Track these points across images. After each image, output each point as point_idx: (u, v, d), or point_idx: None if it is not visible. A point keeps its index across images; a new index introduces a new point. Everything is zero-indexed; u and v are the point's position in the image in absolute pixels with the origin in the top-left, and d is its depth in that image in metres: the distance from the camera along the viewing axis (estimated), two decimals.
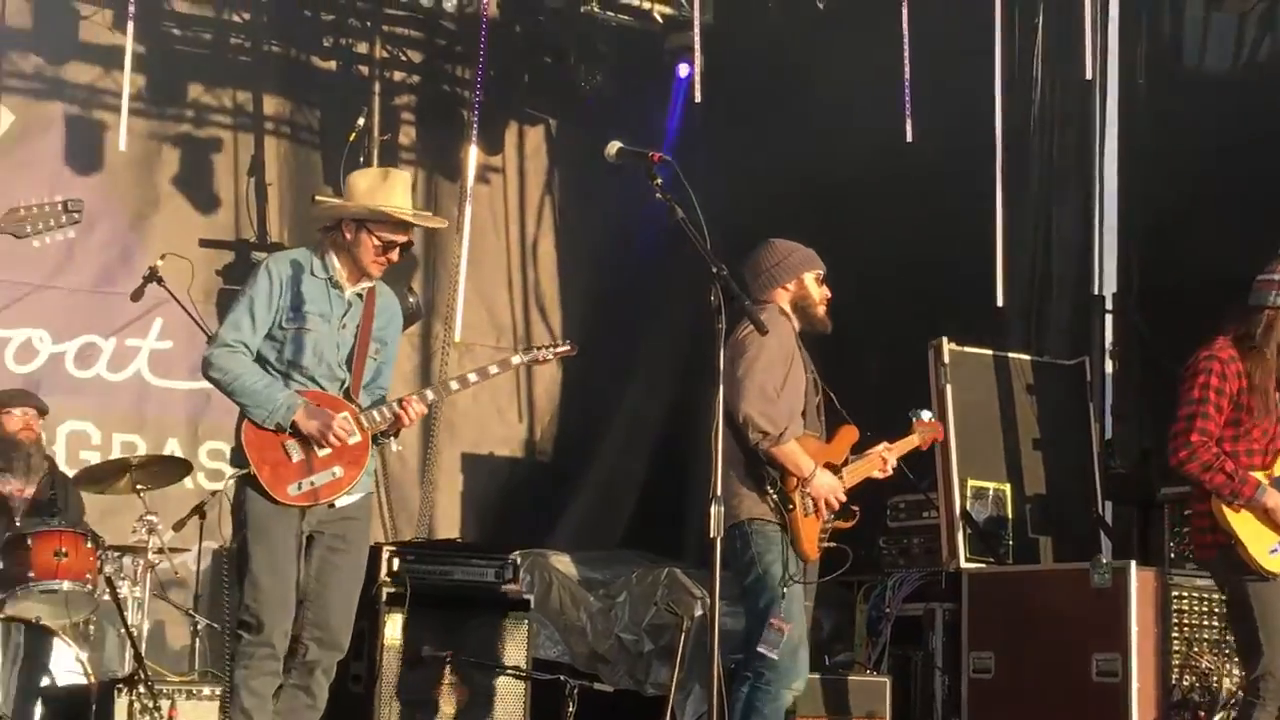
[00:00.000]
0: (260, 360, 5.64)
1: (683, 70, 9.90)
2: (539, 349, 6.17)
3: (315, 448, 5.55)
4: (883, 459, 6.42)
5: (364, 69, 10.15)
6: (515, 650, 7.26)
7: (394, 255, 5.74)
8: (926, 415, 6.69)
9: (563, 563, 9.01)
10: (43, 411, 7.91)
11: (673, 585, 8.54)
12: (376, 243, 5.65)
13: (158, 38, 9.56)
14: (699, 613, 7.46)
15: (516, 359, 6.10)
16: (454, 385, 5.98)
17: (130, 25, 8.79)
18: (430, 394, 5.91)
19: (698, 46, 9.30)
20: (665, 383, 10.65)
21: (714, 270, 4.57)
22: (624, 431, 10.68)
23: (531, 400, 10.66)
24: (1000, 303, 8.75)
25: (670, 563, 8.87)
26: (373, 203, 5.66)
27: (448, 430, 10.27)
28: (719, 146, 10.18)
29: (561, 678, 6.76)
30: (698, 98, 9.24)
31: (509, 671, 7.15)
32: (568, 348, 6.30)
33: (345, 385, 5.67)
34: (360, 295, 5.74)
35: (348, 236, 5.66)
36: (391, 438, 5.83)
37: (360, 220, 5.65)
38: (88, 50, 9.38)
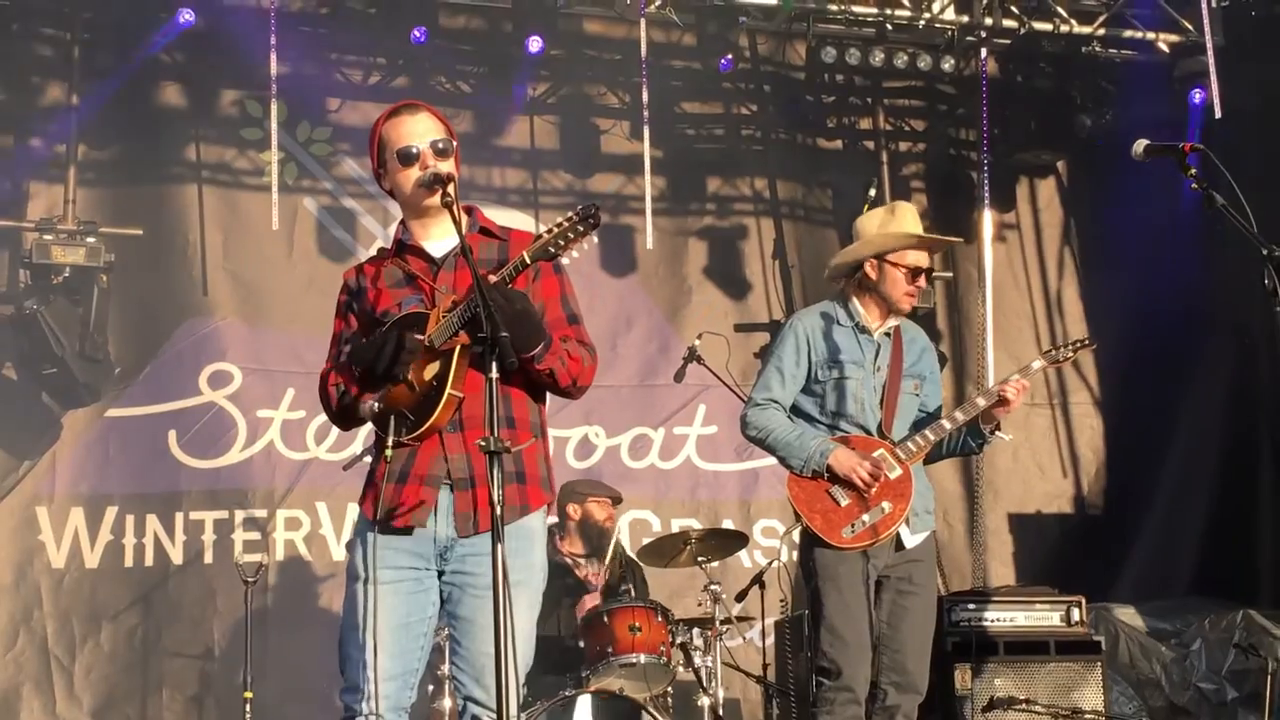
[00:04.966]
0: (804, 415, 5.79)
1: (1196, 96, 9.54)
2: (1057, 349, 6.01)
3: (860, 488, 5.63)
4: None
5: (869, 144, 10.32)
6: (1090, 693, 7.09)
7: (922, 282, 5.82)
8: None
9: (1127, 614, 8.79)
10: (616, 501, 8.29)
11: (1249, 627, 8.16)
12: (904, 271, 5.74)
13: (672, 140, 10.02)
14: None
15: (1036, 364, 5.94)
16: (981, 402, 5.75)
17: (646, 132, 9.29)
18: (961, 414, 5.83)
19: (1212, 68, 9.00)
20: (1216, 417, 10.19)
21: (1264, 253, 4.36)
22: (1178, 473, 10.23)
23: (1075, 454, 10.41)
24: None
25: (1244, 605, 8.48)
26: (886, 232, 5.78)
27: (991, 492, 10.16)
28: (1244, 171, 9.66)
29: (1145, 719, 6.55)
30: (1218, 113, 8.90)
31: (1087, 715, 6.97)
32: (1087, 342, 6.11)
33: (878, 422, 5.72)
34: (888, 335, 5.83)
35: (873, 276, 5.77)
36: (997, 432, 5.79)
37: (881, 255, 5.76)
38: (610, 161, 9.95)
